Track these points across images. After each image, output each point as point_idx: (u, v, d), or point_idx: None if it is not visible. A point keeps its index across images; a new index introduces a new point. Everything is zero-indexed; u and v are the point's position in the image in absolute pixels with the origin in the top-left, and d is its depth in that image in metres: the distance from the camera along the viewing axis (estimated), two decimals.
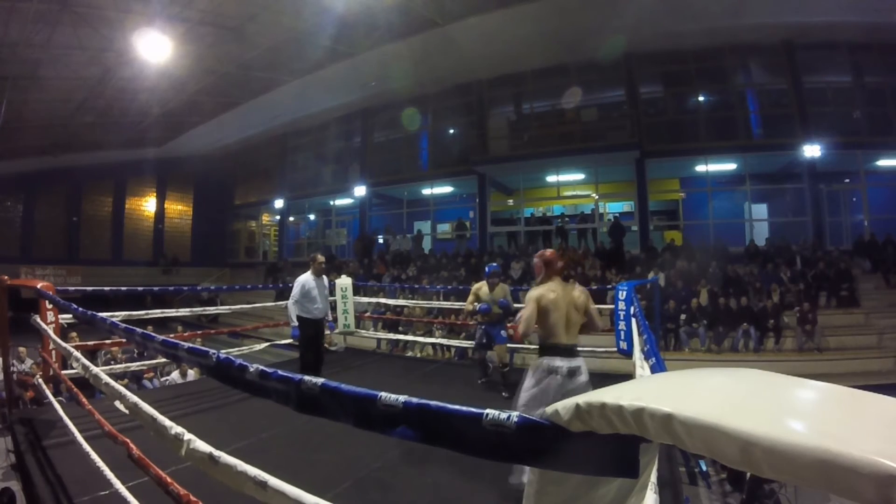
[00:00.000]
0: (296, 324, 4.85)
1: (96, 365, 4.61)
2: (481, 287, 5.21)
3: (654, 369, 2.57)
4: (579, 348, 2.86)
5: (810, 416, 0.66)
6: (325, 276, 5.15)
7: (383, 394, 0.98)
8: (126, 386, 5.63)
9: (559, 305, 2.76)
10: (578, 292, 2.87)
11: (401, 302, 8.95)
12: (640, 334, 3.59)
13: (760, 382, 0.80)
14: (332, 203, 18.09)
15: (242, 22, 10.53)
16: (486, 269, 5.33)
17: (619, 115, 13.00)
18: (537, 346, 2.88)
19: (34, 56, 10.79)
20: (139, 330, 1.96)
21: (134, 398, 1.89)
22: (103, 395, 2.79)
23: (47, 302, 3.91)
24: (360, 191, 16.07)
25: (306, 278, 4.90)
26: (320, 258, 5.08)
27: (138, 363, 6.37)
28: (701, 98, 12.58)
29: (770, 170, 12.57)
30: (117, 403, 2.15)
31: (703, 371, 1.00)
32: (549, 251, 3.06)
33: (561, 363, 2.73)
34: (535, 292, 2.82)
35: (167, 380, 7.64)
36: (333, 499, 1.26)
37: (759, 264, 10.14)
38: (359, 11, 10.07)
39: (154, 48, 10.19)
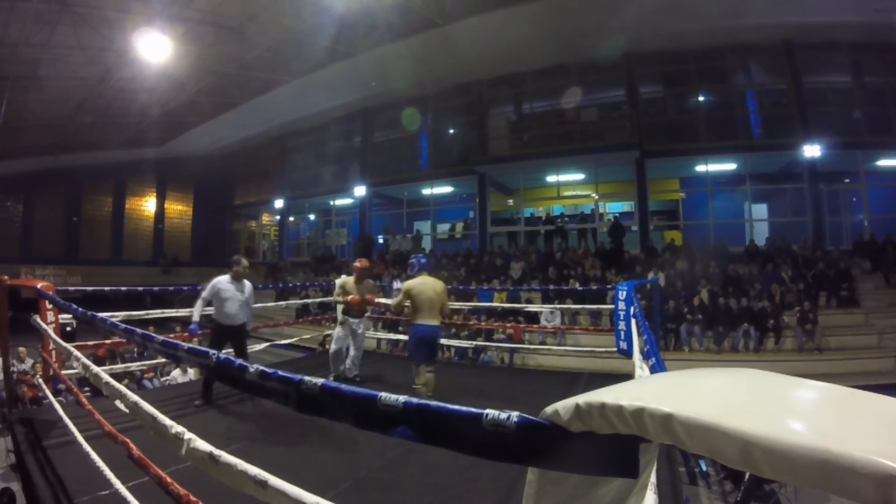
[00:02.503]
0: (196, 320, 4.39)
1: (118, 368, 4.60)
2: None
3: (654, 369, 2.57)
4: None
5: (810, 416, 0.66)
6: (247, 282, 4.64)
7: (383, 394, 0.98)
8: (126, 386, 5.63)
9: (360, 292, 5.13)
10: (371, 284, 5.50)
11: None
12: (640, 334, 3.60)
13: (760, 382, 0.80)
14: (332, 203, 18.09)
15: (242, 22, 10.53)
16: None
17: (619, 115, 13.01)
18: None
19: (34, 56, 10.79)
20: (139, 330, 1.97)
21: (134, 397, 1.89)
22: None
23: (47, 302, 3.91)
24: (360, 191, 16.07)
25: (221, 280, 4.45)
26: (245, 262, 4.65)
27: (138, 363, 6.37)
28: (701, 98, 12.58)
29: (770, 170, 12.56)
30: (118, 403, 2.15)
31: (703, 371, 1.00)
32: (357, 263, 5.30)
33: (353, 320, 5.25)
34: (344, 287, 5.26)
35: (167, 380, 7.65)
36: (333, 499, 1.26)
37: (759, 264, 10.15)
38: (359, 11, 10.08)
39: (154, 48, 10.18)
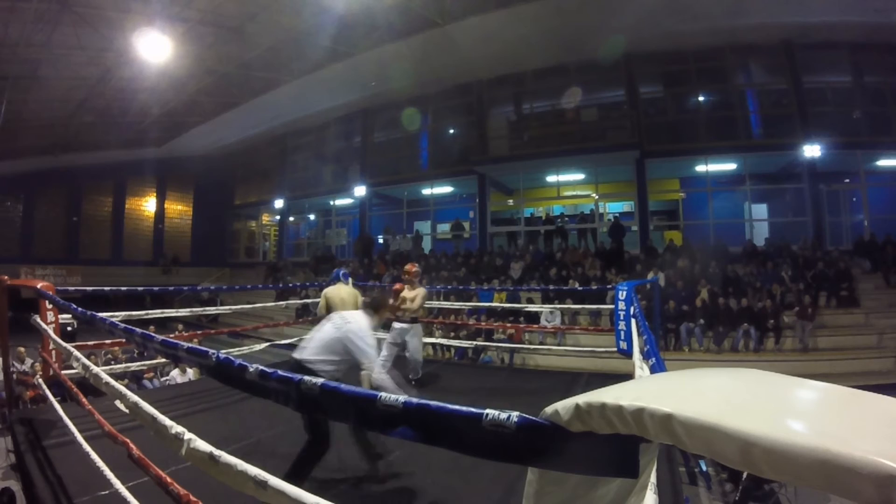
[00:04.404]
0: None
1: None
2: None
3: (654, 369, 2.57)
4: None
5: (810, 416, 0.66)
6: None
7: (383, 394, 0.98)
8: (126, 386, 5.63)
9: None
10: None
11: None
12: (640, 334, 3.59)
13: (760, 382, 0.80)
14: (332, 203, 18.09)
15: (242, 22, 10.53)
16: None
17: (619, 115, 13.00)
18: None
19: (34, 56, 10.79)
20: (139, 330, 1.97)
21: (134, 398, 1.89)
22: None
23: (47, 302, 3.91)
24: (360, 191, 16.07)
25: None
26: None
27: (138, 363, 6.37)
28: (701, 98, 12.58)
29: (770, 170, 12.56)
30: (118, 403, 2.15)
31: (703, 371, 1.00)
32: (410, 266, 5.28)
33: (403, 325, 5.03)
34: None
35: (167, 379, 7.65)
36: (333, 499, 1.26)
37: (758, 264, 10.15)
38: (359, 11, 10.08)
39: (154, 48, 10.18)
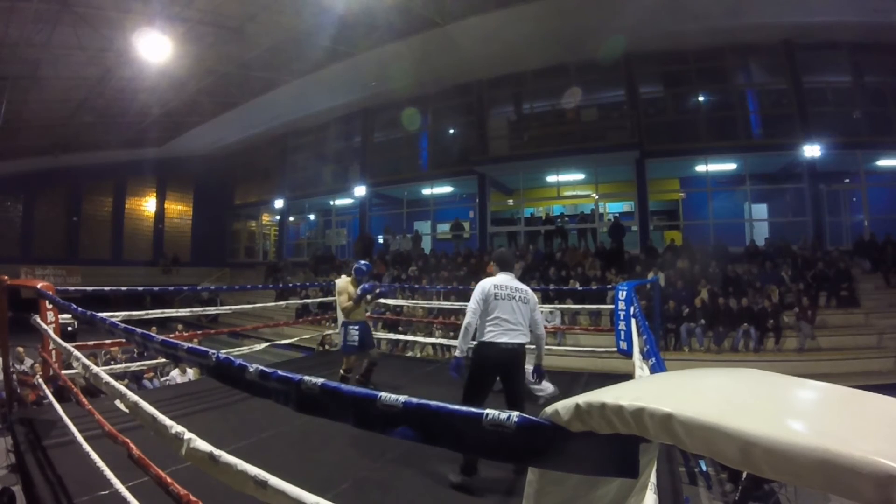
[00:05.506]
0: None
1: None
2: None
3: (654, 369, 2.57)
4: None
5: (810, 416, 0.66)
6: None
7: (383, 394, 0.98)
8: (126, 386, 5.63)
9: None
10: None
11: (401, 302, 8.95)
12: (640, 334, 3.60)
13: (760, 382, 0.80)
14: (332, 203, 18.10)
15: (242, 22, 10.53)
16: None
17: (619, 115, 13.01)
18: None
19: (34, 56, 10.80)
20: (139, 330, 1.97)
21: (134, 397, 1.89)
22: (104, 393, 2.79)
23: (47, 302, 3.91)
24: (360, 191, 16.08)
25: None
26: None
27: (138, 363, 6.37)
28: (701, 98, 12.58)
29: (770, 170, 12.56)
30: (118, 403, 2.15)
31: (703, 371, 1.00)
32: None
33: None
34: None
35: (167, 379, 7.65)
36: (333, 499, 1.26)
37: (758, 264, 10.15)
38: (359, 11, 10.08)
39: (154, 48, 10.20)
